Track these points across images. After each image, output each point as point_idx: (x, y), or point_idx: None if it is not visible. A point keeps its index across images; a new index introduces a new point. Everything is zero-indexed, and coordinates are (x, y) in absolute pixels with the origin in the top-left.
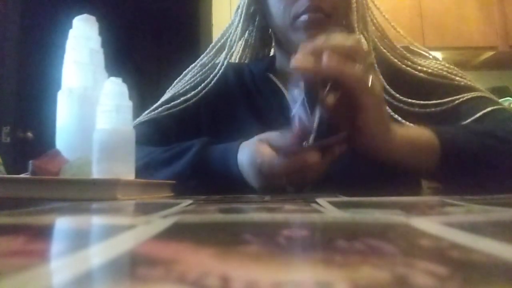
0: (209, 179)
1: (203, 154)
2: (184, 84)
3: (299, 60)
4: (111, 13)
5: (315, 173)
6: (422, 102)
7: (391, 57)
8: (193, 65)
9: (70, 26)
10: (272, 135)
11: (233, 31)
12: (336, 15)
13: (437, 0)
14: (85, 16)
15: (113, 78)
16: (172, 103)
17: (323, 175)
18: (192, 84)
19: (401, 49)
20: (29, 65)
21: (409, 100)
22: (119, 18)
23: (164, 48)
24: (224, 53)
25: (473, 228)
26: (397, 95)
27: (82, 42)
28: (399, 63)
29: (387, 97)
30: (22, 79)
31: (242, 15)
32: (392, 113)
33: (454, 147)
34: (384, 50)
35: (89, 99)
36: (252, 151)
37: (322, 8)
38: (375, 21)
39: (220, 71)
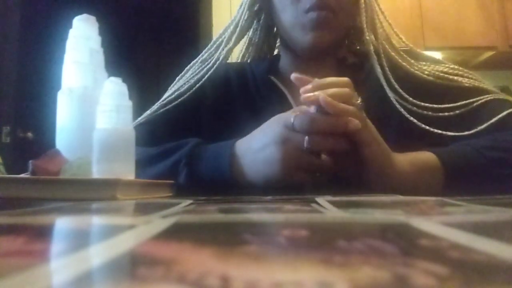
0: (200, 176)
1: (195, 151)
2: (184, 81)
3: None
4: (111, 13)
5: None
6: (438, 106)
7: (400, 61)
8: (194, 61)
9: (70, 26)
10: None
11: (233, 28)
12: (343, 13)
13: (437, 0)
14: (85, 16)
15: (113, 78)
16: (167, 99)
17: (330, 175)
18: (191, 82)
19: (403, 54)
20: (29, 65)
21: (423, 104)
22: (119, 18)
23: (164, 48)
24: (221, 47)
25: (473, 228)
26: (410, 99)
27: (82, 42)
28: (408, 66)
29: (401, 101)
30: (22, 79)
31: (245, 11)
32: (408, 116)
33: (455, 167)
34: (393, 54)
35: (89, 99)
36: (277, 121)
37: (329, 5)
38: (384, 23)
39: (215, 66)
